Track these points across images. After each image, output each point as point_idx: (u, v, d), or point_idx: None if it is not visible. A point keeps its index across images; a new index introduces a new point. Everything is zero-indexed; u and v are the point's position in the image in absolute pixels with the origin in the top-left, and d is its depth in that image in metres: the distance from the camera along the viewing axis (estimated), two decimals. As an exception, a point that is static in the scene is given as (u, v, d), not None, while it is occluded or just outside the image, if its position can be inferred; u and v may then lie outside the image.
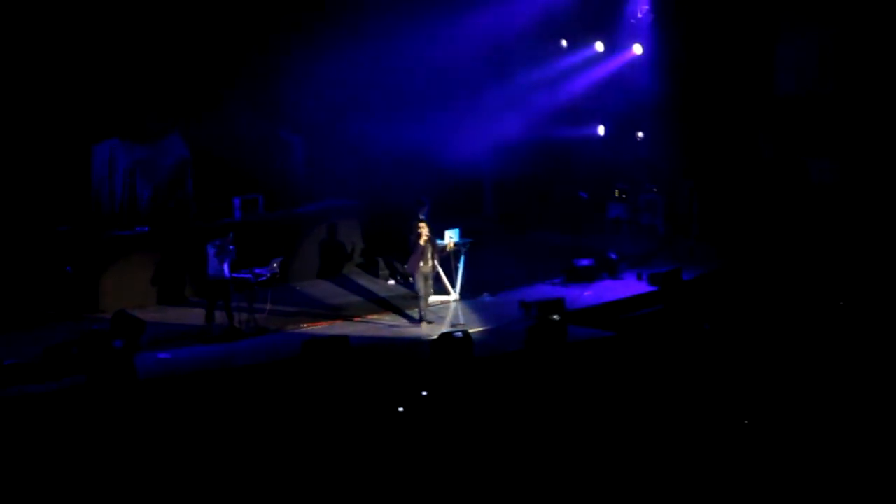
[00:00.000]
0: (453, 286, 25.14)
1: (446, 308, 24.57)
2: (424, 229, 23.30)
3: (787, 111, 30.49)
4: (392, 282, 26.62)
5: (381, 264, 27.23)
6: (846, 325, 21.46)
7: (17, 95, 24.31)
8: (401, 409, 17.11)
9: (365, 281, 26.88)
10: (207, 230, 23.58)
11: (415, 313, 23.82)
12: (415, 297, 24.17)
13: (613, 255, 27.32)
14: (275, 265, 23.18)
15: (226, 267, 22.44)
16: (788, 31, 30.81)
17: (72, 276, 22.67)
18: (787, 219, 29.13)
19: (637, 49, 31.11)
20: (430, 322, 23.33)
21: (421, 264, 23.29)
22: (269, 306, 23.09)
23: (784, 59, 30.84)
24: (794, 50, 30.73)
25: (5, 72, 24.15)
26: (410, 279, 25.00)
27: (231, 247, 22.51)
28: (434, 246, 23.55)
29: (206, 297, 22.80)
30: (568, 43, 32.32)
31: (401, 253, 25.51)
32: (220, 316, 22.66)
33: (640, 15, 31.16)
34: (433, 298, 24.39)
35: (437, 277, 24.42)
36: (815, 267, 26.10)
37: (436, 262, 23.76)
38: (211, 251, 22.47)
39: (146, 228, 25.09)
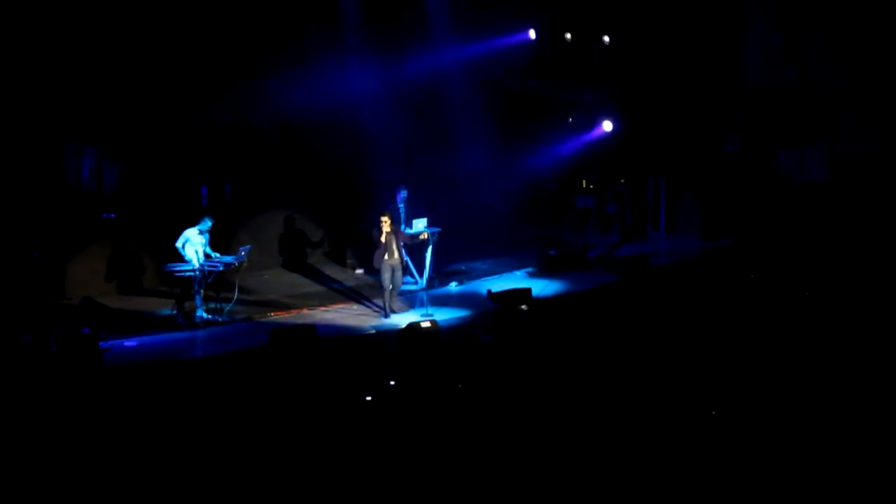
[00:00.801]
0: (421, 275, 25.13)
1: (414, 298, 24.51)
2: (387, 222, 23.20)
3: (755, 103, 30.62)
4: (360, 271, 26.63)
5: (349, 254, 27.24)
6: (813, 315, 21.56)
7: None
8: (368, 398, 17.12)
9: (332, 270, 26.91)
10: (178, 217, 23.48)
11: (383, 303, 23.73)
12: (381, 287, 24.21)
13: (581, 246, 27.36)
14: (242, 254, 23.11)
15: (198, 255, 22.37)
16: (756, 23, 30.96)
17: (38, 262, 22.59)
18: (754, 210, 29.26)
19: (606, 40, 31.13)
20: (397, 311, 23.31)
21: (386, 257, 23.22)
22: (237, 295, 23.06)
23: (751, 52, 30.98)
24: (760, 42, 30.89)
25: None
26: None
27: (204, 234, 22.47)
28: (398, 237, 23.49)
29: (178, 284, 22.74)
30: (536, 34, 32.32)
31: (369, 242, 25.57)
32: (187, 304, 22.63)
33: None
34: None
35: (404, 268, 24.36)
36: (783, 258, 26.20)
37: (402, 252, 23.69)
38: (187, 239, 22.41)
39: (113, 216, 25.00)
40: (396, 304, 23.61)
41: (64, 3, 24.90)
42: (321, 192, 28.28)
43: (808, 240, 27.19)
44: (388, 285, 23.24)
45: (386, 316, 23.14)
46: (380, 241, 23.15)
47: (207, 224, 22.57)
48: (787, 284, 23.73)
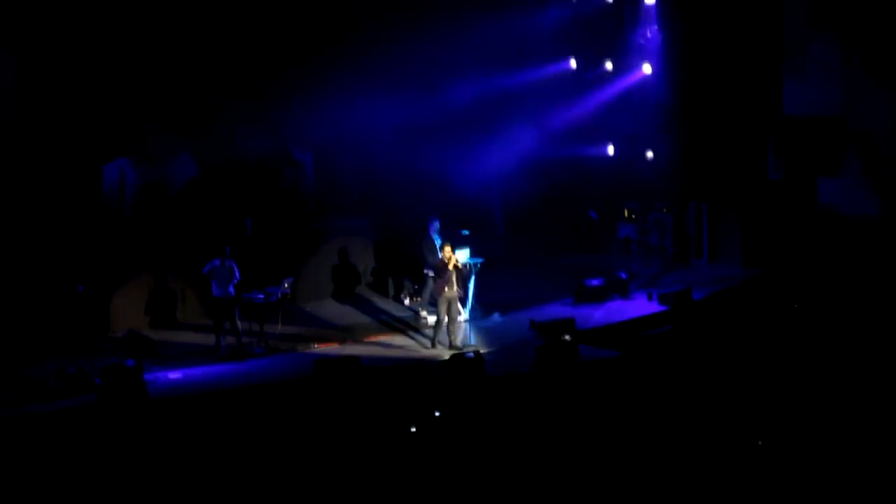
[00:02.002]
0: (464, 306, 25.08)
1: (458, 328, 24.37)
2: (451, 254, 23.10)
3: (795, 131, 30.50)
4: (407, 301, 26.56)
5: (392, 284, 27.21)
6: (857, 345, 21.40)
7: (28, 115, 24.39)
8: (413, 429, 17.08)
9: (376, 301, 26.89)
10: (213, 249, 23.60)
11: (432, 333, 23.53)
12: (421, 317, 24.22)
13: (623, 275, 27.26)
14: (286, 285, 23.17)
15: (230, 285, 22.42)
16: (795, 50, 30.90)
17: (83, 295, 22.71)
18: (796, 239, 29.09)
19: (646, 69, 31.12)
20: (461, 345, 23.12)
21: (446, 289, 23.11)
22: (280, 326, 23.09)
23: (791, 80, 30.91)
24: (801, 70, 30.81)
25: (16, 92, 24.26)
26: (413, 299, 25.32)
27: (230, 263, 22.47)
28: (460, 270, 23.43)
29: (213, 316, 22.81)
30: (577, 63, 32.37)
31: (412, 272, 25.64)
32: (231, 336, 22.69)
33: (648, 35, 31.17)
34: (432, 319, 24.40)
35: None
36: (825, 287, 26.04)
37: (459, 286, 23.54)
38: (211, 270, 22.47)
39: (157, 248, 25.10)
40: (460, 336, 23.50)
41: (110, 29, 25.10)
42: (364, 223, 28.31)
43: (850, 268, 27.03)
44: (443, 318, 23.09)
45: (433, 346, 23.11)
46: (443, 272, 23.00)
47: (227, 252, 22.59)
48: (830, 315, 23.60)
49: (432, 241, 24.81)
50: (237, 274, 22.58)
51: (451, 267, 23.05)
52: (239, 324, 22.57)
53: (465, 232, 25.43)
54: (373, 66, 28.56)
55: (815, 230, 29.26)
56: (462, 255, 24.52)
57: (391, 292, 27.12)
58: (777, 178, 30.80)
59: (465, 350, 21.70)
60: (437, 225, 25.15)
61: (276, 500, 14.57)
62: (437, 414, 17.80)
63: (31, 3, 24.47)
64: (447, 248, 23.16)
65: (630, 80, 31.81)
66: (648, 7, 31.09)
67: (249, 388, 20.36)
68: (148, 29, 25.63)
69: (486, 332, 24.30)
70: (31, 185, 24.18)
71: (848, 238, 28.74)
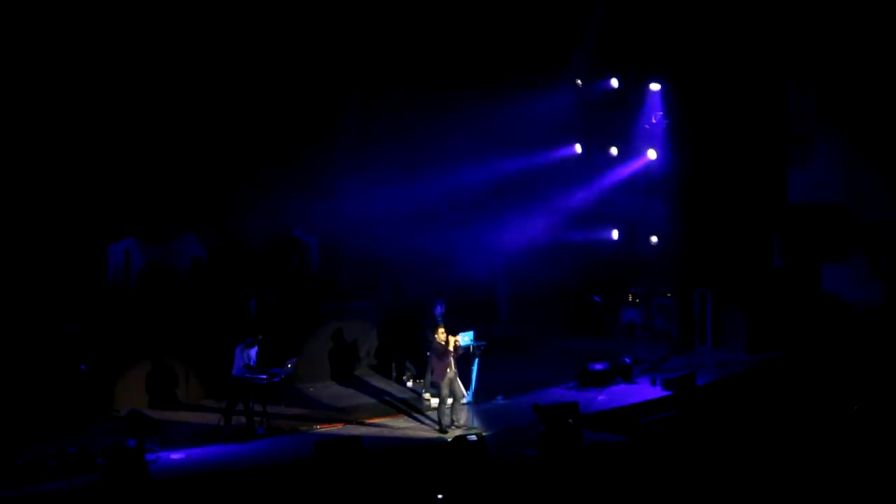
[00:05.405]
0: (467, 389, 25.04)
1: (461, 409, 24.30)
2: (446, 336, 23.05)
3: (799, 219, 30.67)
4: (410, 383, 26.54)
5: (395, 366, 27.19)
6: (862, 431, 21.35)
7: (35, 194, 24.54)
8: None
9: (379, 382, 26.85)
10: (225, 331, 23.60)
11: (438, 417, 23.33)
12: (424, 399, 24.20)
13: (627, 360, 27.24)
14: (289, 366, 23.16)
15: (243, 369, 22.44)
16: (799, 138, 31.18)
17: (86, 375, 22.70)
18: (799, 325, 29.15)
19: (651, 154, 31.25)
20: (464, 424, 23.03)
21: (448, 371, 23.08)
22: (283, 407, 23.05)
23: (797, 168, 31.16)
24: (805, 158, 31.07)
25: (24, 171, 24.43)
26: (416, 381, 25.33)
27: (254, 348, 22.59)
28: (456, 351, 23.36)
29: (227, 396, 22.74)
30: (583, 148, 32.53)
31: (415, 355, 25.63)
32: (234, 417, 22.63)
33: (654, 121, 31.32)
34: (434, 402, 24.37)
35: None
36: (826, 374, 26.02)
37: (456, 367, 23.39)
38: (239, 352, 22.52)
39: (160, 328, 25.12)
40: (463, 416, 23.41)
41: (117, 114, 25.34)
42: (368, 305, 28.34)
43: (855, 355, 27.02)
44: (448, 399, 23.00)
45: (442, 430, 22.92)
46: (444, 355, 22.95)
47: (249, 341, 22.70)
48: (834, 402, 23.57)
49: (437, 324, 24.84)
50: (254, 359, 22.67)
51: (451, 348, 23.04)
52: (249, 405, 22.54)
53: (442, 306, 25.47)
54: (378, 150, 28.75)
55: (818, 317, 29.33)
56: (465, 338, 24.47)
57: (394, 374, 27.09)
58: (782, 264, 30.92)
59: (468, 432, 21.65)
60: (441, 308, 25.22)
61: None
62: (439, 496, 17.74)
63: (53, 88, 24.70)
64: (441, 330, 23.12)
65: (635, 165, 31.94)
66: (654, 93, 31.27)
67: (251, 469, 20.31)
68: (156, 114, 25.86)
69: (489, 415, 24.22)
70: (34, 263, 24.26)
71: (850, 324, 28.79)
